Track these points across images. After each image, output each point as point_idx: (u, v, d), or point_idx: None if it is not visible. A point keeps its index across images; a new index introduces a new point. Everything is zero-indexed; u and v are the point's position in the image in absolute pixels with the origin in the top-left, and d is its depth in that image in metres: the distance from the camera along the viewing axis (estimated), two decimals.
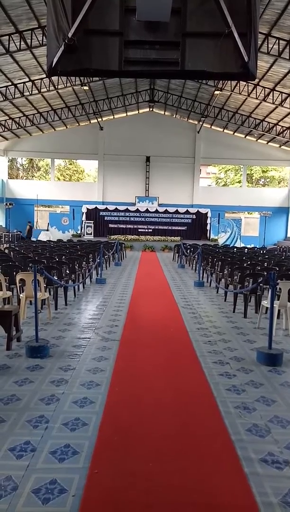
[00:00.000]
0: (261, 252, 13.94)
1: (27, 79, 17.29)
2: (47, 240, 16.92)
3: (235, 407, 3.33)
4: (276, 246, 20.78)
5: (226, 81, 18.11)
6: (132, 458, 2.59)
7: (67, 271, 7.96)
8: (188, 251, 14.42)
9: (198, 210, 23.15)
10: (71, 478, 2.34)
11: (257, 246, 18.93)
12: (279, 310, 6.15)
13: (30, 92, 18.27)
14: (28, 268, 7.07)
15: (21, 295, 5.96)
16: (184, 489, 2.33)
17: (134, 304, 7.32)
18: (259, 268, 8.13)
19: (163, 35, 3.66)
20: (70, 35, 3.27)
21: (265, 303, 5.95)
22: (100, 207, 23.31)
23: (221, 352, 4.73)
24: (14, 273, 6.43)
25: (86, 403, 3.30)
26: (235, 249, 14.68)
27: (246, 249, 14.90)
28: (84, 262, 9.60)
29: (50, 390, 3.52)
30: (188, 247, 14.93)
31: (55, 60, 3.50)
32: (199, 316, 6.53)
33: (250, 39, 3.47)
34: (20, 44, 13.92)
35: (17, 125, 22.27)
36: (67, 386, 3.61)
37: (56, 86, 18.62)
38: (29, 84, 17.74)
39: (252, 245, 19.48)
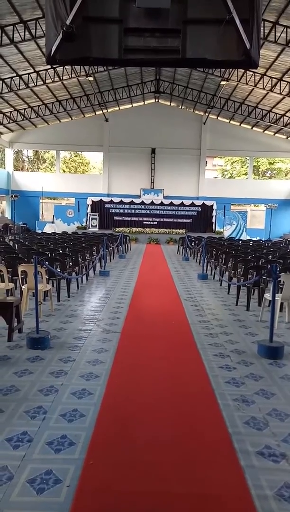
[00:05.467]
0: (267, 245, 13.83)
1: (31, 70, 17.17)
2: (52, 232, 16.95)
3: (233, 399, 3.32)
4: (282, 239, 20.60)
5: (233, 71, 17.83)
6: (129, 449, 2.59)
7: (70, 263, 7.97)
8: (192, 244, 14.35)
9: (203, 203, 22.99)
10: (67, 469, 2.35)
11: (263, 239, 18.77)
12: (282, 303, 6.10)
13: (35, 83, 18.15)
14: (32, 260, 7.08)
15: (23, 286, 5.98)
16: (180, 480, 2.33)
17: (136, 297, 7.31)
18: (263, 261, 8.06)
19: (163, 22, 3.57)
20: (68, 22, 3.21)
21: (268, 296, 5.91)
22: (105, 199, 23.25)
23: (222, 345, 4.71)
24: (17, 265, 6.44)
25: (84, 395, 3.31)
26: (240, 242, 14.58)
27: (251, 242, 14.79)
28: (87, 254, 9.60)
29: (49, 381, 3.54)
30: (193, 239, 14.86)
31: (53, 48, 3.43)
32: (202, 309, 6.51)
33: (252, 25, 3.37)
34: (24, 34, 13.80)
35: (22, 117, 22.20)
36: (66, 378, 3.62)
37: (61, 77, 18.47)
38: (34, 75, 17.61)
39: (258, 238, 19.32)
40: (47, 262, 6.30)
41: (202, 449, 2.65)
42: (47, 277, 6.34)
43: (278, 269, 5.82)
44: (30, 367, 3.84)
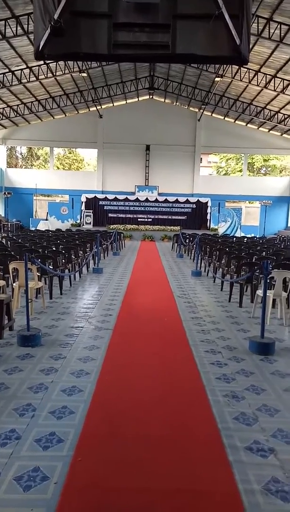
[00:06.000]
0: (261, 241, 13.87)
1: (24, 66, 17.04)
2: (46, 230, 16.86)
3: (223, 395, 3.32)
4: (276, 236, 20.68)
5: (227, 68, 17.82)
6: (118, 446, 2.59)
7: (63, 260, 7.93)
8: (187, 241, 14.36)
9: (198, 200, 23.02)
10: (54, 466, 2.34)
11: (257, 236, 18.84)
12: (274, 300, 6.13)
13: (28, 79, 18.03)
14: (24, 257, 7.04)
15: (14, 284, 5.95)
16: (168, 476, 2.33)
17: (129, 294, 7.31)
18: (256, 258, 8.08)
19: (153, 17, 3.56)
20: (56, 17, 3.18)
21: (260, 292, 5.92)
22: (100, 196, 23.19)
23: (213, 341, 4.71)
24: (8, 262, 6.39)
25: (74, 392, 3.30)
26: (234, 239, 14.61)
27: (245, 239, 14.83)
28: (81, 252, 9.57)
29: (39, 378, 3.52)
30: (187, 236, 14.87)
31: (42, 43, 3.41)
32: (194, 306, 6.52)
33: (242, 21, 3.36)
34: (16, 30, 13.69)
35: (15, 113, 22.04)
36: (56, 375, 3.60)
37: (54, 73, 18.35)
38: (26, 71, 17.49)
39: (252, 235, 19.38)
40: (39, 260, 6.27)
41: (192, 445, 2.66)
42: (39, 274, 6.31)
43: (270, 266, 5.84)
44: (20, 364, 3.82)
